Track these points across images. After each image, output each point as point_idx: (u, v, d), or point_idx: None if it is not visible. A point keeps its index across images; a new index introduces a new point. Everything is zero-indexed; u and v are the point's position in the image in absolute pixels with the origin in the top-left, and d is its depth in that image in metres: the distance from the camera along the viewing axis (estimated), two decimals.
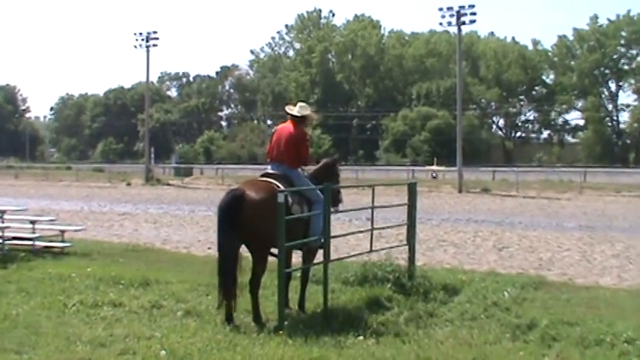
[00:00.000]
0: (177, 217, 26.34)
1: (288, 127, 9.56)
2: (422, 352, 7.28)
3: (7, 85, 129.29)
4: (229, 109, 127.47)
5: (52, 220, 16.97)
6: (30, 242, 14.79)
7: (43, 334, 7.68)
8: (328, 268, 9.22)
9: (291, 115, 9.57)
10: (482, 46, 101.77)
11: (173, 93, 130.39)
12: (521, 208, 32.13)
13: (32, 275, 11.59)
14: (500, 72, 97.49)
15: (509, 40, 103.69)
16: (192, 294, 9.98)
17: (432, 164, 64.02)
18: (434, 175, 56.95)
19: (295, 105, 9.79)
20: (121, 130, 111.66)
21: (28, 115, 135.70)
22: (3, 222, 14.49)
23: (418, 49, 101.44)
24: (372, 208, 10.69)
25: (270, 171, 9.37)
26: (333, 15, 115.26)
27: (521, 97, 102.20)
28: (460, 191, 44.23)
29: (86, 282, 10.75)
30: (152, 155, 65.97)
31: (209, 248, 15.57)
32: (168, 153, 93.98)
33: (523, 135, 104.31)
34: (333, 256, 9.45)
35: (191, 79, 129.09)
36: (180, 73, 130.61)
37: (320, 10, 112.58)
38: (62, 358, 6.81)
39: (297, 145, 9.38)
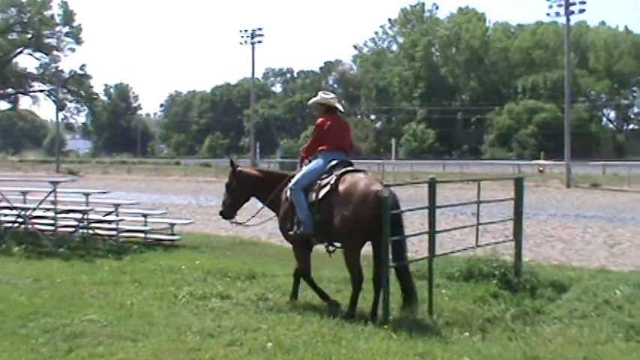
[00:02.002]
0: None
1: (338, 118, 9.48)
2: (529, 349, 7.14)
3: (121, 83, 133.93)
4: None
5: (162, 214, 17.49)
6: (142, 235, 15.33)
7: (155, 323, 7.94)
8: (433, 262, 9.17)
9: (337, 108, 9.50)
10: (591, 36, 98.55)
11: (277, 89, 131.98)
12: (633, 204, 31.00)
13: (145, 267, 12.01)
14: (611, 63, 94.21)
15: (621, 29, 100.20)
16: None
17: (539, 158, 62.61)
18: (541, 169, 55.65)
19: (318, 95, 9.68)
20: (227, 126, 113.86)
21: (139, 112, 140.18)
22: (117, 215, 15.04)
23: (524, 41, 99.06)
24: (478, 202, 10.55)
25: (345, 159, 9.21)
26: (437, 8, 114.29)
27: (634, 88, 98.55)
28: (568, 186, 43.10)
29: (195, 274, 11.04)
30: (257, 150, 66.98)
31: None
32: (273, 148, 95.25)
33: (636, 127, 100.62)
34: (437, 251, 9.39)
35: (295, 74, 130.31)
36: (285, 69, 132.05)
37: (423, 4, 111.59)
38: (173, 347, 7.02)
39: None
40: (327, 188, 8.67)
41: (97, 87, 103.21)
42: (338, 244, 9.03)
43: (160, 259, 12.83)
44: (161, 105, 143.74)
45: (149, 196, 34.10)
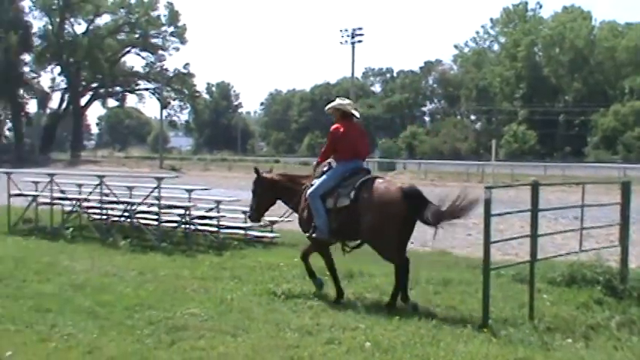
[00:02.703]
0: None
1: (353, 124, 9.83)
2: (636, 359, 6.93)
3: (222, 82, 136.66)
4: (432, 104, 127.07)
5: None
6: (242, 232, 15.58)
7: (255, 319, 8.07)
8: (535, 266, 8.98)
9: (353, 114, 9.82)
10: None
11: (377, 88, 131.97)
12: None
13: (244, 263, 12.22)
14: None
15: None
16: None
17: None
18: None
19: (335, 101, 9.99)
20: (326, 125, 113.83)
21: (240, 110, 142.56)
22: (218, 212, 15.33)
23: (632, 40, 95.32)
24: (582, 206, 10.24)
25: (362, 167, 9.78)
26: (541, 7, 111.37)
27: None
28: None
29: (294, 272, 11.14)
30: None
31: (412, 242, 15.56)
32: (371, 147, 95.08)
33: None
34: (538, 255, 9.19)
35: (395, 74, 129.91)
36: (384, 69, 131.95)
37: (526, 3, 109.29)
38: (272, 343, 7.12)
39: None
40: (351, 197, 9.18)
41: (200, 85, 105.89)
42: (352, 244, 9.78)
43: (260, 256, 13.02)
44: (261, 103, 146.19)
45: (249, 193, 34.33)
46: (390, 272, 9.59)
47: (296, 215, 10.20)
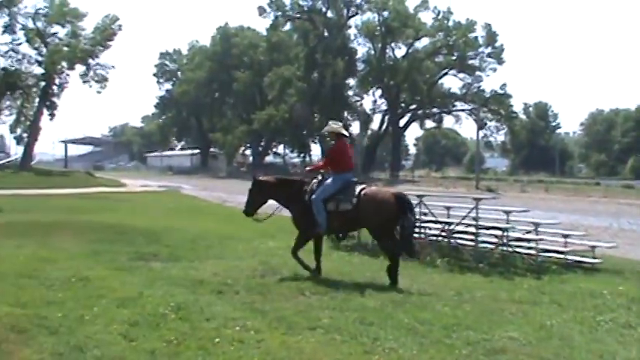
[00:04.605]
0: None
1: (345, 142, 12.60)
2: None
3: (540, 102, 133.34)
4: None
5: (583, 235, 16.95)
6: (561, 256, 15.05)
7: (577, 347, 7.75)
8: None
9: (343, 134, 12.59)
10: None
11: None
12: None
13: (563, 288, 11.78)
14: None
15: None
16: None
17: None
18: None
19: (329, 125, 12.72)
20: None
21: (558, 130, 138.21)
22: (537, 234, 14.99)
23: None
24: None
25: (352, 179, 12.30)
26: None
27: None
28: None
29: (618, 301, 10.54)
30: None
31: None
32: None
33: None
34: None
35: None
36: None
37: None
38: None
39: None
40: (353, 202, 11.72)
41: (517, 106, 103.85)
42: (340, 236, 13.23)
43: (580, 281, 12.49)
44: (581, 124, 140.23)
45: (567, 216, 33.35)
46: None
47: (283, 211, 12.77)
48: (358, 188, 11.91)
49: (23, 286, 10.02)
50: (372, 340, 7.85)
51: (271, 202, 12.77)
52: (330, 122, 12.79)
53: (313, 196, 12.00)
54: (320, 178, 12.35)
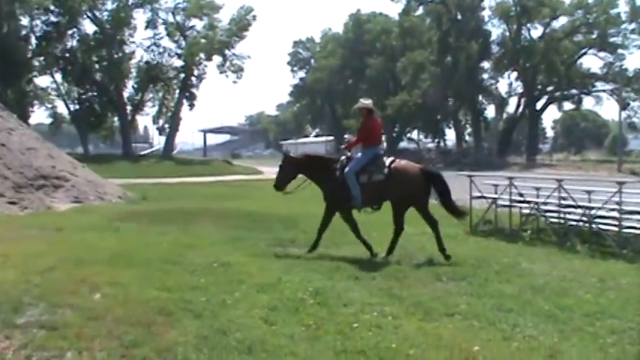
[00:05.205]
0: None
1: (375, 119, 13.19)
2: None
3: None
4: None
5: None
6: None
7: None
8: None
9: (372, 110, 13.09)
10: None
11: None
12: None
13: None
14: None
15: None
16: None
17: None
18: None
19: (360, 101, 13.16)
20: None
21: None
22: None
23: None
24: None
25: (381, 152, 12.90)
26: None
27: None
28: None
29: None
30: None
31: None
32: None
33: None
34: None
35: None
36: None
37: None
38: None
39: None
40: (385, 173, 12.32)
41: None
42: (375, 207, 12.81)
43: None
44: None
45: None
46: None
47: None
48: (388, 160, 12.54)
49: (168, 271, 10.46)
50: (512, 326, 7.75)
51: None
52: (361, 99, 13.22)
53: (346, 170, 12.47)
54: (349, 154, 12.90)
